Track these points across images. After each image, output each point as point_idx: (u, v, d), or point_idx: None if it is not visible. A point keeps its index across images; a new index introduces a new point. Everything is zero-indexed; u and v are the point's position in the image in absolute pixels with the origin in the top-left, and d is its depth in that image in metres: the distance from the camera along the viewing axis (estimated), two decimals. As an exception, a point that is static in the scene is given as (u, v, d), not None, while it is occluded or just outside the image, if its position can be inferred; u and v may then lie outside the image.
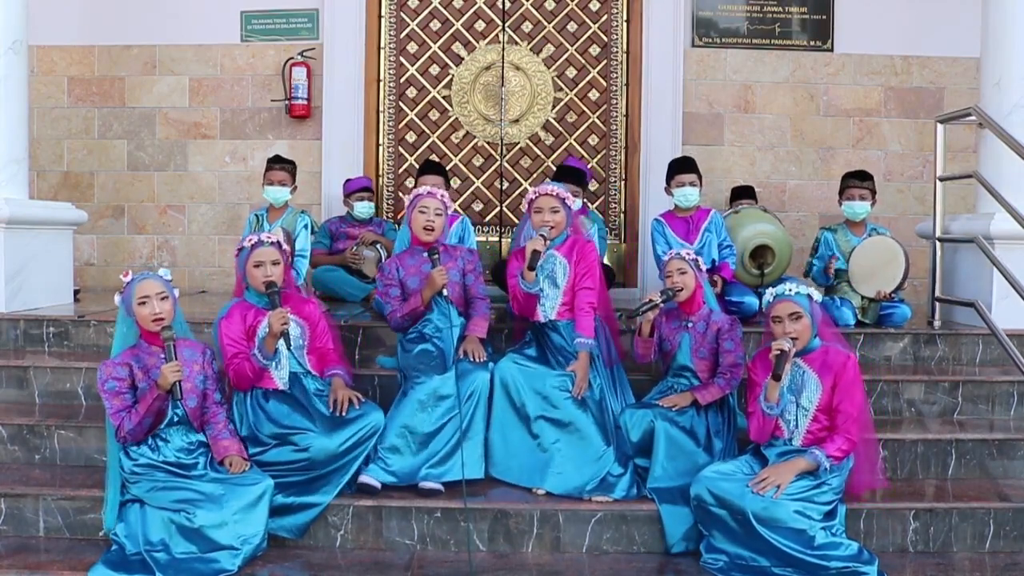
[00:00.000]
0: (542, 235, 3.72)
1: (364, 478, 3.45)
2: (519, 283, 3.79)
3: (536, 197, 3.83)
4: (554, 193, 3.81)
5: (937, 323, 4.66)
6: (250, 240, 3.61)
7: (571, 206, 3.83)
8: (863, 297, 4.58)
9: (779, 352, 3.25)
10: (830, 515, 3.24)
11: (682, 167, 4.70)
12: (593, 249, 3.87)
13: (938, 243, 4.74)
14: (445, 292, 3.78)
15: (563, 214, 3.81)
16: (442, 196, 3.90)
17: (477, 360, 3.72)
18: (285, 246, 3.70)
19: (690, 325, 3.72)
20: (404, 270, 3.93)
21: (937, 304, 4.70)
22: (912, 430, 3.87)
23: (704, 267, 3.85)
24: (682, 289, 3.67)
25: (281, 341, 3.46)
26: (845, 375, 3.31)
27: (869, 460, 3.42)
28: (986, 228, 4.45)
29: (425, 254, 3.86)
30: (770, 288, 3.46)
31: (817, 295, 3.43)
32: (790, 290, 3.36)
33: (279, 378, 3.56)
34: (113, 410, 3.25)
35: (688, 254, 3.73)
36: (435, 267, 3.76)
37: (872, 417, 3.71)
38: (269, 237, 3.62)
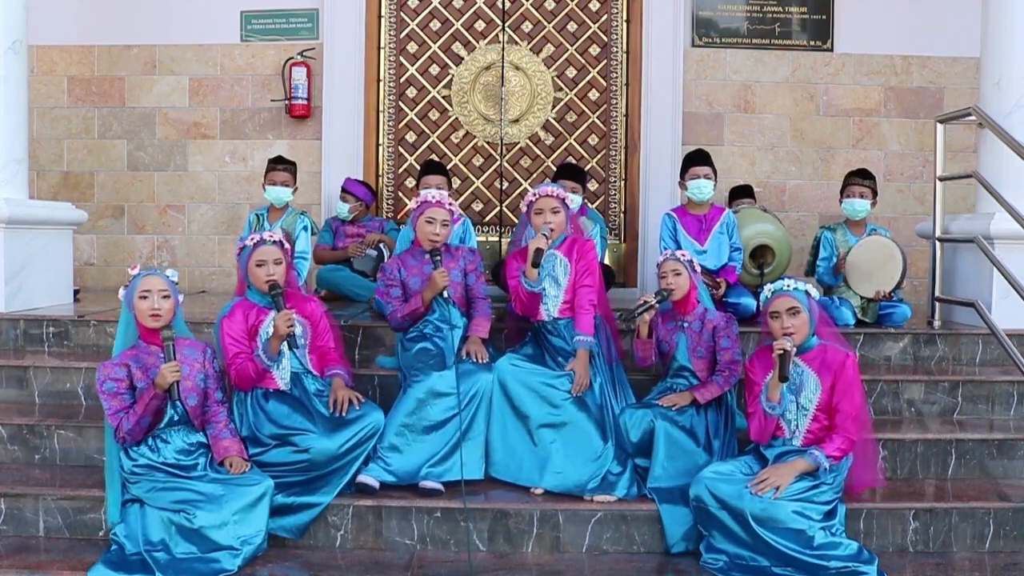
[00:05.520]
0: (544, 234, 3.72)
1: (363, 478, 3.45)
2: (522, 282, 3.78)
3: (536, 198, 3.83)
4: (554, 194, 3.81)
5: (937, 323, 4.65)
6: (252, 239, 3.60)
7: (570, 206, 3.83)
8: (862, 297, 4.58)
9: (782, 352, 3.24)
10: (829, 515, 3.24)
11: (697, 160, 4.66)
12: (592, 247, 3.87)
13: (938, 243, 4.74)
14: (446, 293, 3.78)
15: (563, 214, 3.81)
16: (450, 205, 3.90)
17: (479, 361, 3.72)
18: (287, 245, 3.70)
19: (686, 325, 3.72)
20: (406, 270, 3.93)
21: (937, 304, 4.70)
22: (912, 430, 3.87)
23: (699, 267, 3.85)
24: (675, 290, 3.67)
25: (285, 343, 3.46)
26: (844, 374, 3.31)
27: (868, 458, 3.42)
28: (986, 228, 4.44)
29: (427, 255, 3.86)
30: (767, 285, 3.47)
31: (815, 292, 3.43)
32: (788, 285, 3.37)
33: (281, 378, 3.56)
34: (111, 411, 3.25)
35: (683, 254, 3.74)
36: (436, 268, 3.77)
37: (872, 417, 3.70)
38: (271, 236, 3.61)
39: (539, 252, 3.69)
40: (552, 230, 3.76)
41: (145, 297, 3.28)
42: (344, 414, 3.50)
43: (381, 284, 4.02)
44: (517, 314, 3.95)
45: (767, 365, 3.36)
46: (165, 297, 3.30)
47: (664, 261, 3.75)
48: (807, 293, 3.38)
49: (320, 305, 3.77)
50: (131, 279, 3.34)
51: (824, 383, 3.33)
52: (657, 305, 3.68)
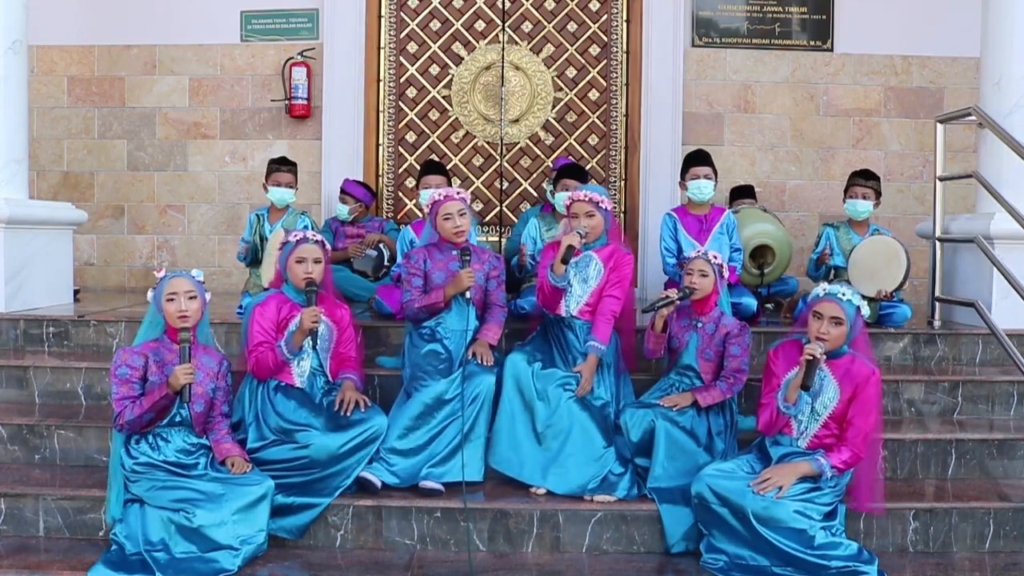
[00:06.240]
0: (578, 232, 3.72)
1: (365, 474, 3.45)
2: (547, 275, 3.78)
3: (570, 203, 3.85)
4: (586, 198, 3.81)
5: (937, 323, 4.65)
6: (295, 235, 3.66)
7: (606, 208, 3.82)
8: (863, 296, 4.56)
9: (810, 358, 3.19)
10: (830, 515, 3.24)
11: (697, 160, 4.68)
12: (630, 263, 3.85)
13: (938, 243, 4.74)
14: (468, 294, 3.78)
15: (599, 217, 3.80)
16: (459, 194, 3.90)
17: (484, 364, 3.71)
18: (328, 246, 3.76)
19: (699, 325, 3.72)
20: (431, 262, 3.90)
21: (937, 304, 4.69)
22: (912, 430, 3.87)
23: (727, 273, 3.85)
24: (698, 290, 3.67)
25: (307, 339, 3.50)
26: (866, 390, 3.27)
27: (870, 480, 3.37)
28: (986, 228, 4.44)
29: (455, 252, 3.86)
30: (824, 284, 3.41)
31: (866, 309, 3.37)
32: (843, 294, 3.30)
33: (298, 375, 3.59)
34: (118, 396, 3.26)
35: (715, 256, 3.72)
36: (464, 267, 3.76)
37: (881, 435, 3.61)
38: (315, 235, 3.69)
39: (570, 249, 3.68)
40: (587, 232, 3.76)
41: (172, 300, 3.31)
42: (349, 414, 3.50)
43: (403, 271, 3.98)
44: (538, 305, 3.94)
45: (790, 359, 3.34)
46: (192, 298, 3.33)
47: (694, 259, 3.73)
48: (857, 309, 3.32)
49: (350, 314, 3.80)
50: (158, 281, 3.38)
51: (843, 394, 3.29)
52: (678, 301, 3.69)
